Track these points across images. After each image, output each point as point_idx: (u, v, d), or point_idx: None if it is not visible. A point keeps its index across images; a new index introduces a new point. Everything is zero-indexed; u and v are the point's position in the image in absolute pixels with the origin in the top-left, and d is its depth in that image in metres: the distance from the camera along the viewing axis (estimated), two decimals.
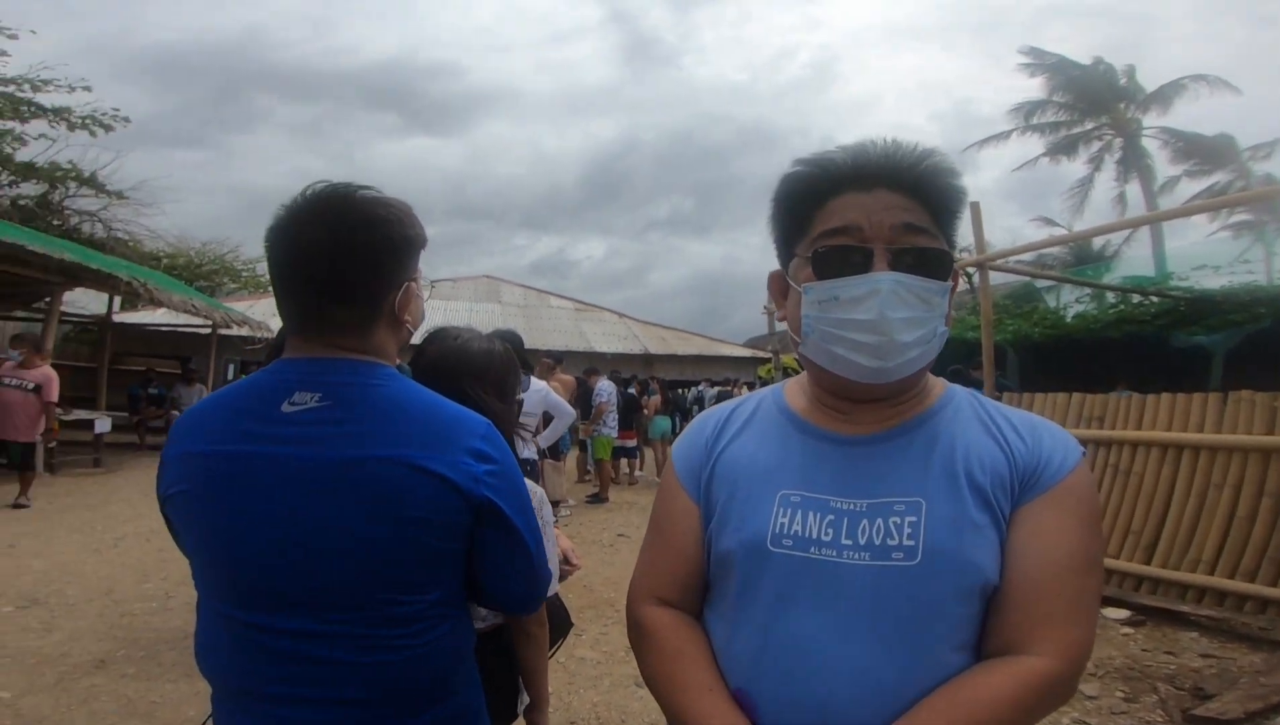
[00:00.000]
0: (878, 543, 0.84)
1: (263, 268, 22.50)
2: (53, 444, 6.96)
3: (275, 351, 2.65)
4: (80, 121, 13.46)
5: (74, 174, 14.16)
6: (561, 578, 1.79)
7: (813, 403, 0.96)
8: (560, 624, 1.78)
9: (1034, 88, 23.36)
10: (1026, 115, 23.51)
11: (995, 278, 5.71)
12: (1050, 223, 23.34)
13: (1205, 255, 8.22)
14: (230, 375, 15.25)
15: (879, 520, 0.85)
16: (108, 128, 13.81)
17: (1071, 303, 8.84)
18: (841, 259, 0.85)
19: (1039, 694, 0.79)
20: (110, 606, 4.04)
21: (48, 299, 9.41)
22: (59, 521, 6.13)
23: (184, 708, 2.85)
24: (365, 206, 1.02)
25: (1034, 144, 23.79)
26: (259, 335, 13.00)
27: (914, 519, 0.84)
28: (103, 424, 9.68)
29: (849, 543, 0.85)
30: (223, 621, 1.02)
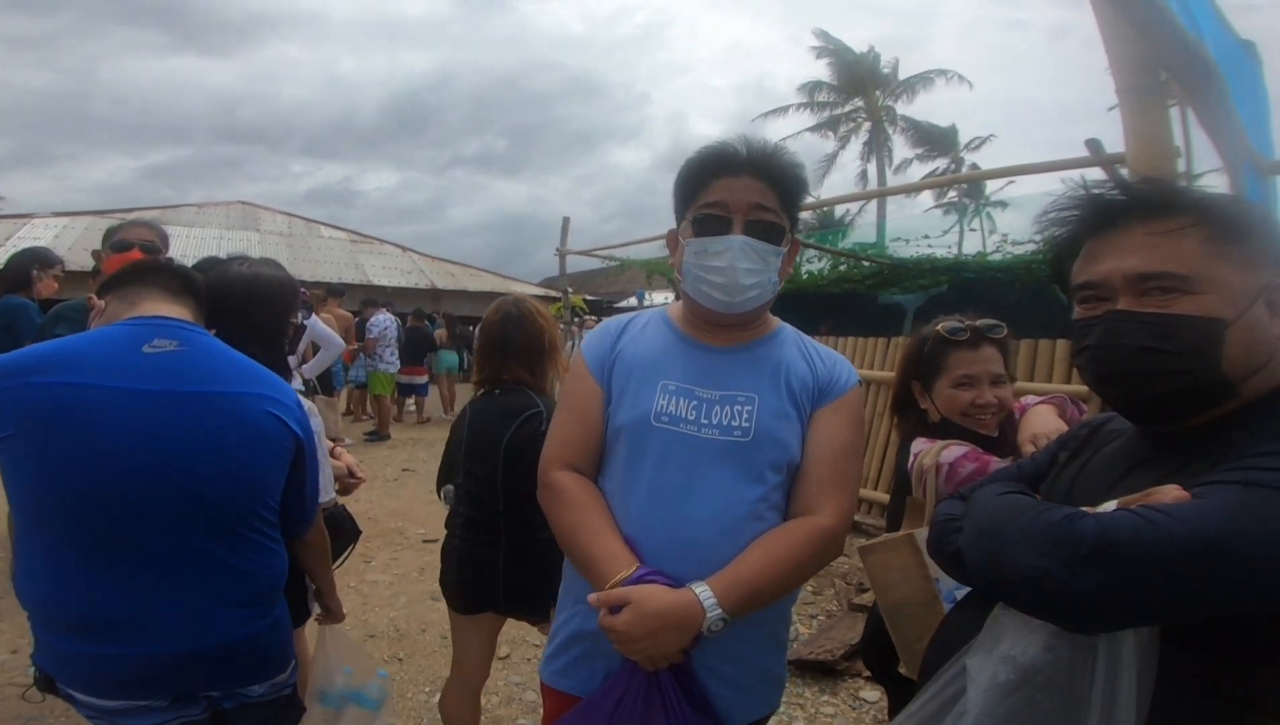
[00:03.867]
0: (725, 423, 1.15)
1: None
2: None
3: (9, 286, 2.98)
4: None
5: None
6: (346, 491, 1.88)
7: (687, 322, 1.26)
8: (348, 532, 1.84)
9: (819, 69, 25.71)
10: (809, 92, 25.84)
11: None
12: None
13: (912, 228, 9.89)
14: None
15: (727, 407, 1.16)
16: None
17: (804, 262, 10.20)
18: (711, 224, 1.16)
19: (823, 543, 1.13)
20: None
21: None
22: None
23: None
24: None
25: (807, 120, 26.28)
26: None
27: (750, 408, 1.16)
28: None
29: (707, 422, 1.15)
30: (72, 554, 1.13)
